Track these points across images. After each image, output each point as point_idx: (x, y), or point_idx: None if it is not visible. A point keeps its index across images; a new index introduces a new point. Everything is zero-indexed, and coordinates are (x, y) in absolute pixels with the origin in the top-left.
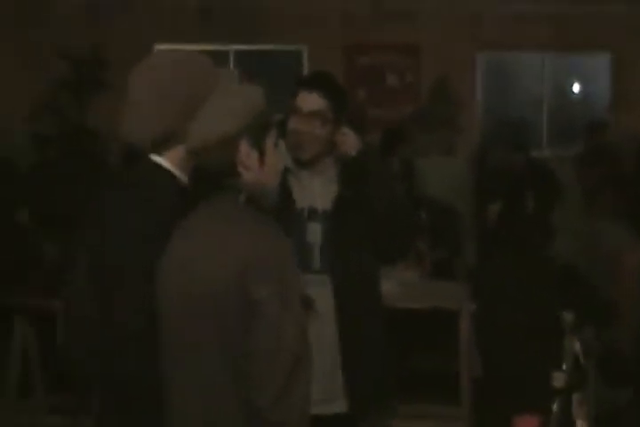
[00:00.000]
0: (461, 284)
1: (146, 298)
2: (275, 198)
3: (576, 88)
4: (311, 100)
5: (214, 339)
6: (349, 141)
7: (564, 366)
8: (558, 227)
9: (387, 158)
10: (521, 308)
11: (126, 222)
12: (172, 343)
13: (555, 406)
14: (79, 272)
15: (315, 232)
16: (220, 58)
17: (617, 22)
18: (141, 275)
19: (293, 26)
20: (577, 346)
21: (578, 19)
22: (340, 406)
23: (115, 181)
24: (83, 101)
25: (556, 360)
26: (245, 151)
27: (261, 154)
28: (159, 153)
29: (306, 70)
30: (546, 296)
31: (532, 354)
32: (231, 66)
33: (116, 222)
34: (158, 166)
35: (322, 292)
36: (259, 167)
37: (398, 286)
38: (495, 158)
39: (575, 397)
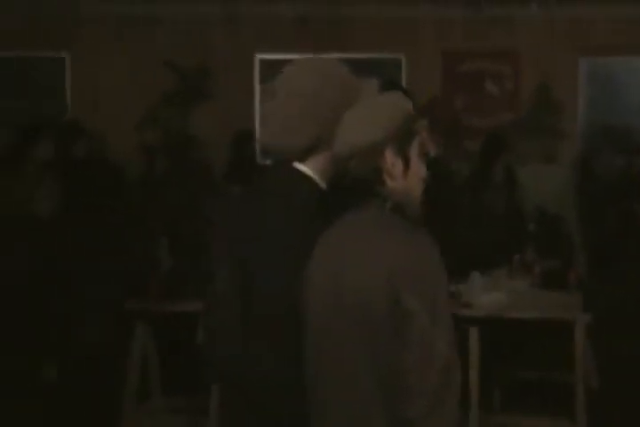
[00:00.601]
0: (574, 294)
1: (290, 303)
2: (418, 207)
3: None
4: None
5: (362, 349)
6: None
7: None
8: None
9: (488, 167)
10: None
11: (270, 229)
12: (318, 352)
13: None
14: (222, 277)
15: None
16: None
17: None
18: (286, 280)
19: (391, 34)
20: None
21: None
22: None
23: (252, 189)
24: (187, 111)
25: None
26: (390, 160)
27: (406, 162)
28: (302, 160)
29: (404, 78)
30: None
31: None
32: None
33: (259, 229)
34: (301, 174)
35: None
36: (403, 176)
37: (506, 296)
38: (599, 165)
39: None
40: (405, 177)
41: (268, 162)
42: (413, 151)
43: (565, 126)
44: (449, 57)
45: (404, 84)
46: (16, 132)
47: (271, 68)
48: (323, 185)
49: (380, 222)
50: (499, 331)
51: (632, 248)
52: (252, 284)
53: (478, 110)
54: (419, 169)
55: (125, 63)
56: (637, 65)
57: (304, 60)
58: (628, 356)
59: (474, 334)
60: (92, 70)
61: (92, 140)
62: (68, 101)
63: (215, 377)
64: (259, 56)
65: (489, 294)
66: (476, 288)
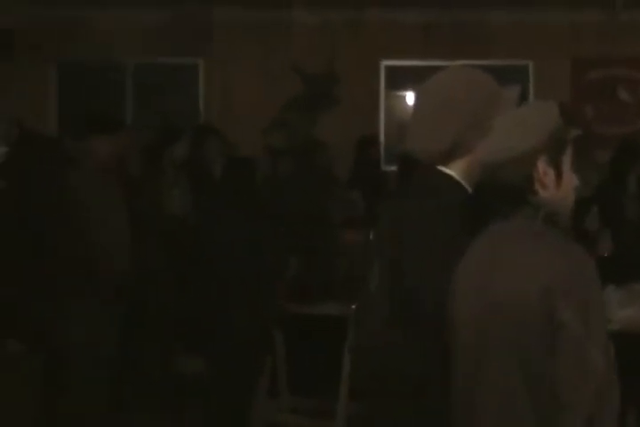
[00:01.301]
0: None
1: (437, 304)
2: (569, 218)
3: None
4: None
5: (514, 362)
6: None
7: None
8: None
9: (621, 176)
10: None
11: (420, 231)
12: (467, 360)
13: None
14: (372, 278)
15: None
16: None
17: None
18: (435, 282)
19: (519, 40)
20: None
21: None
22: None
23: (398, 192)
24: (314, 116)
25: None
26: (543, 169)
27: (558, 172)
28: (444, 165)
29: (532, 86)
30: None
31: None
32: None
33: (409, 231)
34: (448, 177)
35: None
36: (555, 186)
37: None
38: None
39: None
40: (558, 187)
41: (393, 168)
42: (566, 160)
43: None
44: (579, 64)
45: (531, 91)
46: (154, 134)
47: (397, 75)
48: (469, 190)
49: (533, 232)
50: (635, 347)
51: None
52: (400, 285)
53: (610, 119)
54: (571, 179)
55: (258, 69)
56: None
57: (452, 67)
58: None
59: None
60: (225, 76)
61: (225, 142)
62: (200, 106)
63: (362, 379)
64: (384, 62)
65: (625, 309)
66: (612, 302)
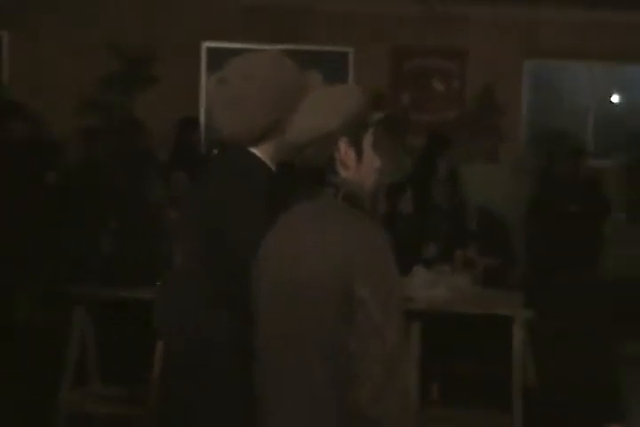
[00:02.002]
0: (514, 291)
1: (245, 282)
2: (370, 198)
3: (619, 98)
4: None
5: (312, 335)
6: None
7: None
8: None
9: (432, 163)
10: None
11: (225, 209)
12: (267, 339)
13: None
14: (180, 257)
15: None
16: None
17: None
18: (244, 259)
19: (340, 27)
20: None
21: (624, 28)
22: None
23: (205, 171)
24: (130, 96)
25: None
26: (344, 149)
27: (359, 153)
28: (254, 146)
29: (352, 72)
30: (599, 305)
31: (593, 361)
32: None
33: (215, 211)
34: (256, 158)
35: None
36: (357, 166)
37: (448, 291)
38: (559, 167)
39: None
40: (358, 167)
41: (214, 150)
42: (367, 142)
43: (507, 128)
44: (397, 53)
45: (351, 78)
46: None
47: (218, 57)
48: (273, 169)
49: (333, 212)
50: (439, 326)
51: (569, 248)
52: (209, 266)
53: (425, 107)
54: (372, 160)
55: (72, 46)
56: (581, 69)
57: (253, 51)
58: (565, 353)
59: (415, 328)
60: (36, 51)
61: (32, 121)
62: (3, 81)
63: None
64: (205, 44)
65: (431, 289)
66: (419, 282)
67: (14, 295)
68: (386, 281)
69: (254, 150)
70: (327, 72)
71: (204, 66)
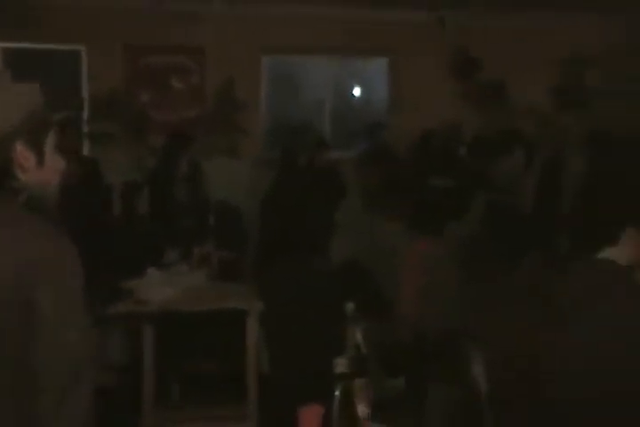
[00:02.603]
0: (248, 284)
1: None
2: (54, 201)
3: (358, 91)
4: None
5: None
6: None
7: (347, 355)
8: (341, 225)
9: (173, 161)
10: (305, 302)
11: None
12: None
13: (337, 392)
14: None
15: None
16: None
17: (393, 28)
18: None
19: (69, 23)
20: (358, 335)
21: (358, 23)
22: None
23: None
24: None
25: (340, 349)
26: (21, 152)
27: (40, 154)
28: None
29: (85, 71)
30: (328, 290)
31: (316, 345)
32: None
33: None
34: None
35: None
36: (36, 169)
37: (182, 290)
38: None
39: (357, 383)
40: (39, 170)
41: None
42: (49, 143)
43: (248, 122)
44: (132, 50)
45: (84, 76)
46: None
47: None
48: None
49: (10, 216)
50: (175, 326)
51: (299, 237)
52: None
53: (165, 105)
54: (54, 162)
55: None
56: (317, 64)
57: None
58: (297, 342)
59: (147, 331)
60: None
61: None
62: None
63: None
64: None
65: (161, 290)
66: (151, 284)
67: None
68: (65, 286)
69: None
70: (58, 72)
71: None
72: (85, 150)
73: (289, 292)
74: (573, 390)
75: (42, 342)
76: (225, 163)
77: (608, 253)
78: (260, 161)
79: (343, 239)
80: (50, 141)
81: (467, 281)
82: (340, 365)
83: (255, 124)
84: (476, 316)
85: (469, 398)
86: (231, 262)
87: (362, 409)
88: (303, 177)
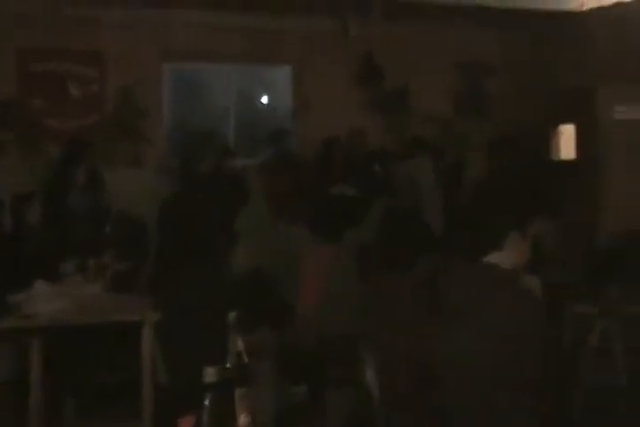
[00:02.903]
0: (144, 294)
1: None
2: None
3: (262, 99)
4: None
5: None
6: None
7: (228, 363)
8: (246, 232)
9: (70, 169)
10: (193, 311)
11: None
12: None
13: (207, 401)
14: None
15: None
16: None
17: (295, 36)
18: None
19: None
20: (240, 344)
21: (260, 31)
22: None
23: None
24: None
25: (222, 357)
26: None
27: None
28: None
29: None
30: (215, 298)
31: (204, 354)
32: None
33: None
34: None
35: None
36: None
37: (74, 302)
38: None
39: (238, 392)
40: None
41: None
42: None
43: (150, 131)
44: (25, 55)
45: None
46: None
47: None
48: None
49: None
50: (68, 338)
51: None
52: None
53: (62, 113)
54: None
55: None
56: (221, 71)
57: None
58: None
59: (35, 346)
60: None
61: None
62: None
63: None
64: None
65: (49, 302)
66: (39, 297)
67: None
68: None
69: None
70: None
71: None
72: None
73: (187, 301)
74: (461, 393)
75: None
76: (127, 171)
77: (493, 257)
78: (164, 169)
79: (247, 246)
80: None
81: (364, 287)
82: (210, 374)
83: (158, 131)
84: (370, 321)
85: (364, 401)
86: (127, 273)
87: (243, 419)
88: (204, 185)
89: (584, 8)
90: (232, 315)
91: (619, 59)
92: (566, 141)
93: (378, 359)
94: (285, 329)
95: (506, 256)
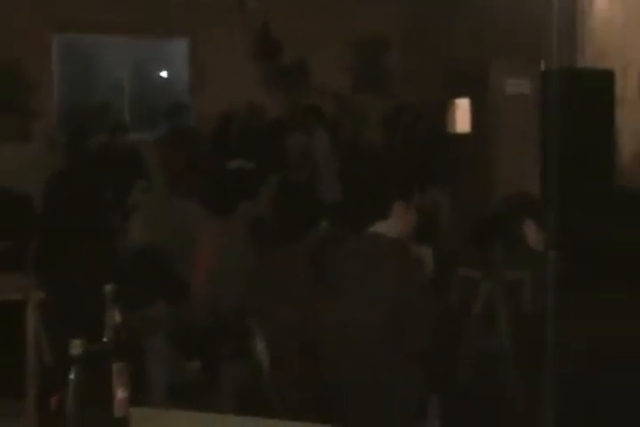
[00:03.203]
0: (28, 273)
1: None
2: None
3: (160, 73)
4: None
5: None
6: None
7: (105, 337)
8: (141, 207)
9: None
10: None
11: None
12: None
13: (71, 375)
14: None
15: None
16: None
17: (192, 9)
18: None
19: None
20: (117, 318)
21: (158, 2)
22: None
23: None
24: None
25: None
26: None
27: None
28: None
29: None
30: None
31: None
32: None
33: None
34: None
35: None
36: None
37: None
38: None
39: (115, 366)
40: None
41: None
42: None
43: (39, 105)
44: None
45: None
46: None
47: None
48: None
49: None
50: None
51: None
52: None
53: None
54: None
55: None
56: (115, 44)
57: None
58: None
59: None
60: None
61: None
62: None
63: None
64: None
65: None
66: None
67: None
68: None
69: None
70: None
71: None
72: None
73: (76, 278)
74: (350, 364)
75: None
76: (14, 147)
77: (379, 226)
78: (54, 145)
79: (143, 222)
80: None
81: (255, 260)
82: (75, 347)
83: (48, 105)
84: (261, 295)
85: (257, 375)
86: (10, 251)
87: (120, 394)
88: (93, 159)
89: None
90: (108, 287)
91: (513, 31)
92: (462, 115)
93: (267, 333)
94: (179, 305)
95: (392, 225)
